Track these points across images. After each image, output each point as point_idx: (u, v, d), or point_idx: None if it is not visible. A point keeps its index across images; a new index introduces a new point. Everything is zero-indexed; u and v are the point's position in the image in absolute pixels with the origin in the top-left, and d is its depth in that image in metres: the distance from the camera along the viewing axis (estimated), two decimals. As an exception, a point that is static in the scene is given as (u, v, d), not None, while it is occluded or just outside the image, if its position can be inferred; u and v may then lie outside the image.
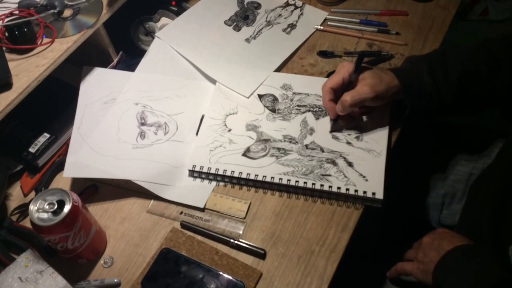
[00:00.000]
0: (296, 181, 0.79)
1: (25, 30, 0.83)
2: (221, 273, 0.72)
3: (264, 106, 0.90)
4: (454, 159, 0.95)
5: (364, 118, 0.86)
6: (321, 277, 0.72)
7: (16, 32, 0.83)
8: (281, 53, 0.98)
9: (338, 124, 0.85)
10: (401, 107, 0.83)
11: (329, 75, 0.94)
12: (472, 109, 0.85)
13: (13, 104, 0.79)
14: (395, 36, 1.00)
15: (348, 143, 0.84)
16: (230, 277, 0.71)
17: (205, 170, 0.82)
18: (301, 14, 1.06)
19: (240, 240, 0.76)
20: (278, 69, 0.96)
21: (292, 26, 1.04)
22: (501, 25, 1.80)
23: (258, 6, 1.08)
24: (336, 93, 0.83)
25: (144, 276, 0.73)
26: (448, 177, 0.94)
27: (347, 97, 0.79)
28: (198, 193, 0.82)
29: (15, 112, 0.80)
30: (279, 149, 0.84)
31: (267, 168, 0.81)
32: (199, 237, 0.77)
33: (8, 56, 0.83)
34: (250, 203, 0.80)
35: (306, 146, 0.84)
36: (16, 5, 0.88)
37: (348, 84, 0.82)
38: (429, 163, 0.97)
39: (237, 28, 1.03)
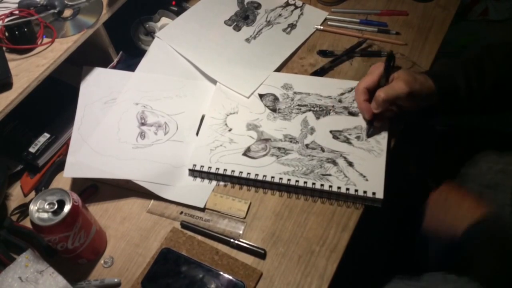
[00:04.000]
0: (296, 181, 0.79)
1: (25, 30, 0.83)
2: (221, 273, 0.72)
3: (265, 105, 0.90)
4: (457, 161, 0.95)
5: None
6: (321, 277, 0.72)
7: (16, 32, 0.83)
8: (281, 53, 0.98)
9: (374, 128, 0.83)
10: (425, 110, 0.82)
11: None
12: (497, 112, 0.85)
13: (13, 104, 0.79)
14: (395, 36, 1.00)
15: (349, 143, 0.84)
16: (230, 277, 0.71)
17: (205, 169, 0.82)
18: (301, 14, 1.06)
19: (240, 240, 0.76)
20: (278, 69, 0.96)
21: (292, 26, 1.04)
22: (501, 25, 1.80)
23: (258, 6, 1.08)
24: (371, 94, 0.82)
25: (144, 276, 0.73)
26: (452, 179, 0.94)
27: (381, 92, 0.78)
28: (198, 193, 0.82)
29: (15, 112, 0.80)
30: (279, 148, 0.84)
31: (267, 168, 0.81)
32: (199, 237, 0.77)
33: (8, 56, 0.83)
34: (250, 203, 0.80)
35: (307, 145, 0.84)
36: (16, 5, 0.88)
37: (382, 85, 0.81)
38: (429, 164, 0.97)
39: (237, 28, 1.03)
